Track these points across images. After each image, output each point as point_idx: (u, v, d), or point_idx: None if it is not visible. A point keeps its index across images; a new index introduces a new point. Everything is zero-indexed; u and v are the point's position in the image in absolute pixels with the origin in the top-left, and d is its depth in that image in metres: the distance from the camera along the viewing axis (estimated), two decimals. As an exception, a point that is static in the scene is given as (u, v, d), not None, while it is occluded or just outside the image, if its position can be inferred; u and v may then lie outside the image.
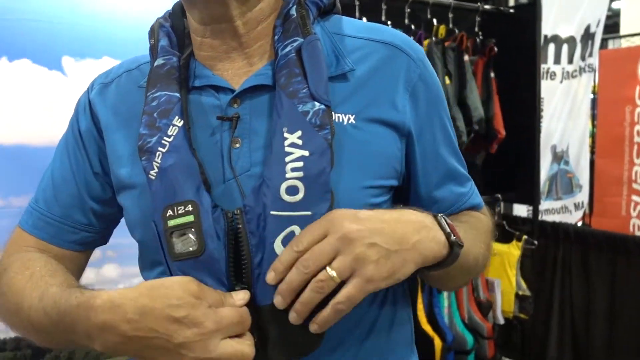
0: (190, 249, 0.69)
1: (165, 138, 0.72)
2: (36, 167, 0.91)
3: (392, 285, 0.67)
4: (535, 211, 2.80)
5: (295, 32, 0.75)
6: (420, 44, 2.37)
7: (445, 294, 2.50)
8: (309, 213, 0.68)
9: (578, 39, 3.37)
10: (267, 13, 0.78)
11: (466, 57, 2.50)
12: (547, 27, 3.15)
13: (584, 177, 3.65)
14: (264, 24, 0.78)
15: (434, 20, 2.46)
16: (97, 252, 1.96)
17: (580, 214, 3.69)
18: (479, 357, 2.56)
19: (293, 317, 0.66)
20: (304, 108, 0.70)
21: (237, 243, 0.69)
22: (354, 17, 1.87)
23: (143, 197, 0.76)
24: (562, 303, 2.73)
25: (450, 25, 2.50)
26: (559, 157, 3.44)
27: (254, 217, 0.69)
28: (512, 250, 2.65)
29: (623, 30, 5.67)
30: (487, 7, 2.64)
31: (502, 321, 2.67)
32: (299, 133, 0.69)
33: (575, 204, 3.61)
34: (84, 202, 0.86)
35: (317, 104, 0.71)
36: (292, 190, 0.68)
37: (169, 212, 0.69)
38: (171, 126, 0.73)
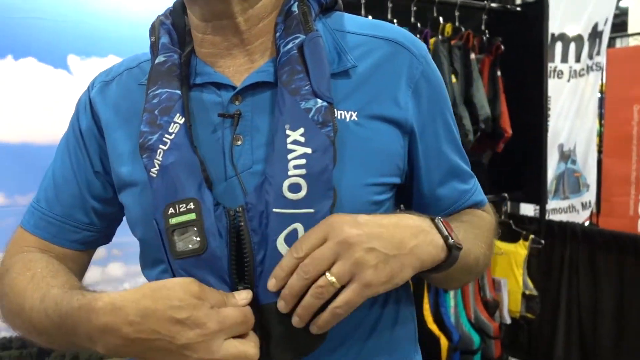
0: (192, 247, 0.68)
1: (166, 135, 0.72)
2: (41, 165, 0.91)
3: (391, 289, 0.67)
4: (542, 210, 2.78)
5: (297, 28, 0.75)
6: (427, 42, 2.36)
7: (451, 294, 2.48)
8: (311, 211, 0.67)
9: (586, 37, 3.36)
10: (269, 10, 0.77)
11: (472, 56, 2.48)
12: (555, 26, 3.13)
13: (591, 177, 3.64)
14: (265, 20, 0.77)
15: (440, 19, 2.45)
16: (102, 251, 1.96)
17: (587, 213, 3.67)
18: (486, 356, 2.55)
19: (296, 321, 0.66)
20: (307, 105, 0.70)
21: (239, 241, 0.69)
22: (360, 15, 1.86)
23: (144, 195, 0.76)
24: (570, 303, 2.72)
25: (457, 24, 2.49)
26: (566, 156, 3.42)
27: (256, 215, 0.68)
28: (519, 250, 2.63)
29: (631, 29, 5.64)
30: (493, 5, 2.62)
31: (508, 321, 2.66)
32: (301, 130, 0.69)
33: (582, 204, 3.60)
34: (85, 202, 0.86)
35: (319, 101, 0.70)
36: (294, 188, 0.67)
37: (171, 210, 0.69)
38: (172, 123, 0.72)
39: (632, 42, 4.88)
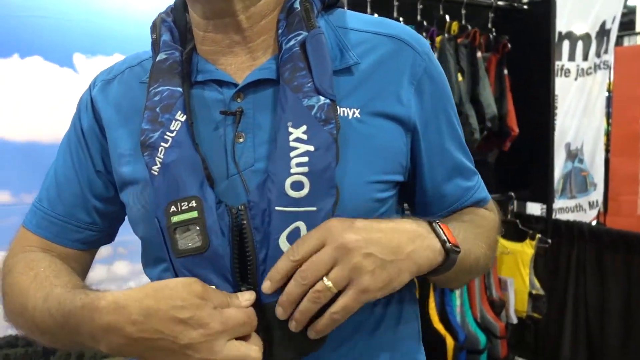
0: (194, 245, 0.68)
1: (167, 133, 0.71)
2: (47, 164, 0.91)
3: (388, 294, 0.67)
4: (549, 210, 2.77)
5: (299, 25, 0.74)
6: (433, 40, 2.35)
7: (457, 293, 2.48)
8: (314, 209, 0.67)
9: (593, 35, 3.34)
10: (271, 7, 0.77)
11: (479, 54, 2.47)
12: (562, 24, 3.12)
13: (598, 176, 3.62)
14: (267, 18, 0.77)
15: (447, 17, 2.44)
16: (107, 249, 1.97)
17: (594, 212, 3.65)
18: (492, 356, 2.54)
19: (293, 325, 0.66)
20: (309, 102, 0.70)
21: (242, 239, 0.69)
22: (366, 13, 1.85)
23: (145, 193, 0.76)
24: (576, 302, 2.70)
25: (463, 22, 2.49)
26: (573, 155, 3.41)
27: (259, 213, 0.68)
28: (526, 249, 2.62)
29: (639, 27, 5.61)
30: (500, 3, 2.61)
31: (515, 320, 2.65)
32: (303, 128, 0.69)
33: (589, 203, 3.58)
34: (87, 201, 0.86)
35: (322, 98, 0.70)
36: (297, 186, 0.67)
37: (173, 208, 0.69)
38: (174, 121, 0.72)
39: (640, 40, 4.85)
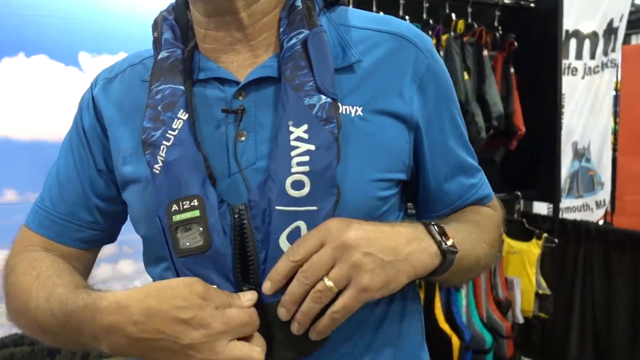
0: (196, 244, 0.68)
1: (169, 131, 0.71)
2: (52, 162, 0.91)
3: (387, 295, 0.67)
4: (556, 209, 2.76)
5: (300, 23, 0.74)
6: (439, 39, 2.35)
7: (463, 293, 2.47)
8: (314, 208, 0.67)
9: (600, 34, 3.32)
10: (272, 5, 0.76)
11: (485, 52, 2.46)
12: (569, 22, 3.10)
13: (605, 175, 3.60)
14: (269, 15, 0.76)
15: (453, 15, 2.43)
16: (113, 248, 1.97)
17: (601, 212, 3.64)
18: (498, 356, 2.53)
19: (295, 327, 0.66)
20: (310, 101, 0.69)
21: (243, 239, 0.69)
22: (372, 12, 1.84)
23: (147, 192, 0.75)
24: (583, 302, 2.69)
25: (469, 20, 2.48)
26: (580, 154, 3.39)
27: (259, 213, 0.68)
28: (532, 249, 2.61)
29: (647, 26, 5.57)
30: (507, 1, 2.60)
31: (521, 320, 2.64)
32: (304, 127, 0.68)
33: (596, 202, 3.56)
34: (89, 200, 0.86)
35: (323, 97, 0.70)
36: (297, 185, 0.67)
37: (174, 207, 0.69)
38: (176, 119, 0.72)
39: (648, 38, 4.82)
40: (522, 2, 2.71)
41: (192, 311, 0.61)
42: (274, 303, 0.67)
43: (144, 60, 0.84)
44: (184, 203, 0.68)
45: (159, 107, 0.73)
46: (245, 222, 0.68)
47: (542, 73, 2.67)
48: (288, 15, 0.76)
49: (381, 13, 2.06)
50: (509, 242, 2.66)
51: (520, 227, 2.66)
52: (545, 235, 2.61)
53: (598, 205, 3.58)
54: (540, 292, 2.60)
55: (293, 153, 0.67)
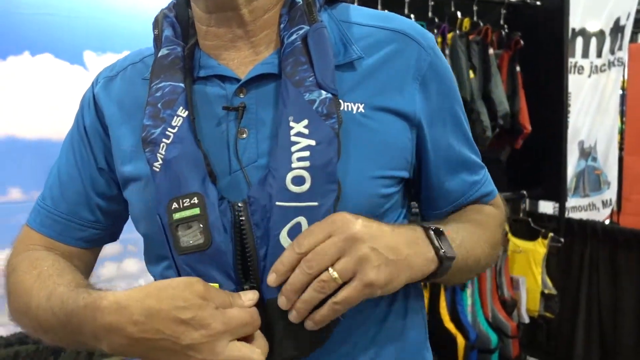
0: (197, 242, 0.67)
1: (169, 129, 0.71)
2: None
3: (386, 294, 0.67)
4: (562, 208, 2.75)
5: (301, 19, 0.74)
6: (444, 37, 2.34)
7: (468, 292, 2.46)
8: (315, 204, 0.67)
9: (607, 32, 3.30)
10: (274, 1, 0.76)
11: (491, 51, 2.46)
12: (575, 20, 3.09)
13: (612, 174, 3.58)
14: (270, 12, 0.76)
15: (458, 13, 2.43)
16: (118, 247, 1.97)
17: (608, 211, 3.62)
18: (503, 356, 2.52)
19: (293, 315, 0.66)
20: (310, 97, 0.69)
21: (243, 236, 0.68)
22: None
23: (147, 190, 0.75)
24: (590, 301, 2.68)
25: (475, 18, 2.47)
26: (586, 153, 3.38)
27: (259, 209, 0.67)
28: (538, 248, 2.60)
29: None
30: (512, -1, 2.59)
31: (527, 320, 2.63)
32: (305, 122, 0.68)
33: (603, 202, 3.55)
34: (90, 199, 0.86)
35: (323, 92, 0.69)
36: (298, 181, 0.66)
37: (174, 205, 0.68)
38: (175, 117, 0.71)
39: (655, 37, 4.79)
40: (528, 0, 2.70)
41: (192, 311, 0.61)
42: (275, 299, 0.67)
43: (145, 59, 0.84)
44: (184, 201, 0.68)
45: (159, 105, 0.73)
46: (243, 218, 0.68)
47: (548, 71, 2.66)
48: (288, 11, 0.76)
49: (386, 11, 2.05)
50: (514, 241, 2.65)
51: (526, 226, 2.65)
52: (551, 234, 2.60)
53: (604, 204, 3.56)
54: (546, 291, 2.59)
55: (293, 148, 0.67)
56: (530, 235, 2.65)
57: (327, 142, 0.67)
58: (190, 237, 0.68)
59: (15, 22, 1.78)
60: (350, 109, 0.74)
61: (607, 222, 3.56)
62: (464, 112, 0.85)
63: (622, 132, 4.09)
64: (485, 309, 2.52)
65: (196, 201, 0.68)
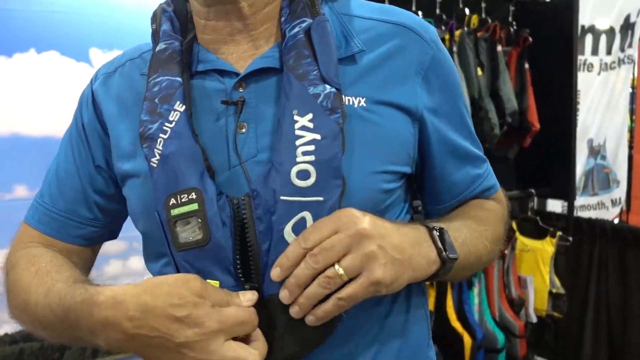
0: (195, 238, 0.67)
1: (166, 124, 0.70)
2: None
3: (390, 293, 0.66)
4: (571, 207, 2.73)
5: (303, 12, 0.73)
6: (452, 34, 2.33)
7: (475, 291, 2.45)
8: (320, 199, 0.66)
9: (617, 29, 3.28)
10: None
11: (499, 48, 2.44)
12: (585, 17, 3.07)
13: (621, 173, 3.56)
14: (271, 5, 0.75)
15: (467, 10, 2.42)
16: (122, 244, 1.97)
17: (617, 210, 3.59)
18: (510, 355, 2.51)
19: (295, 310, 0.65)
20: (315, 90, 0.68)
21: (244, 230, 0.67)
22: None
23: (145, 186, 0.74)
24: (598, 301, 2.66)
25: (483, 15, 2.46)
26: (595, 151, 3.36)
27: (262, 203, 0.66)
28: (546, 247, 2.59)
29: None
30: (521, -4, 2.57)
31: (534, 319, 2.61)
32: (309, 116, 0.67)
33: (612, 200, 3.52)
34: (88, 196, 0.85)
35: (327, 86, 0.69)
36: (303, 175, 0.65)
37: (172, 201, 0.68)
38: (172, 111, 0.71)
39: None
40: (537, -3, 2.69)
41: (187, 309, 0.60)
42: (276, 295, 0.66)
43: (144, 54, 0.83)
44: (182, 196, 0.67)
45: (156, 100, 0.72)
46: (245, 212, 0.67)
47: (557, 69, 2.64)
48: (289, 4, 0.75)
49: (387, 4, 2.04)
50: (522, 240, 2.63)
51: (534, 225, 2.64)
52: (559, 233, 2.59)
53: (613, 203, 3.54)
54: (554, 290, 2.57)
55: (298, 142, 0.66)
56: (539, 234, 2.63)
57: (332, 136, 0.67)
58: (189, 233, 0.67)
59: (21, 19, 1.79)
60: (351, 103, 0.73)
61: (616, 221, 3.53)
62: (466, 105, 0.84)
63: (631, 131, 4.05)
64: (492, 308, 2.51)
65: (194, 196, 0.67)
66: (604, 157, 3.42)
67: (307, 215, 0.65)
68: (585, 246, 2.72)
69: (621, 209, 3.67)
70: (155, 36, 0.79)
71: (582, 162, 3.26)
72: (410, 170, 0.78)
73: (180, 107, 0.71)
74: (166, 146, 0.69)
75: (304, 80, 0.69)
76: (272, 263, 0.66)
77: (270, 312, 0.67)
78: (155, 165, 0.70)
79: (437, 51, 0.78)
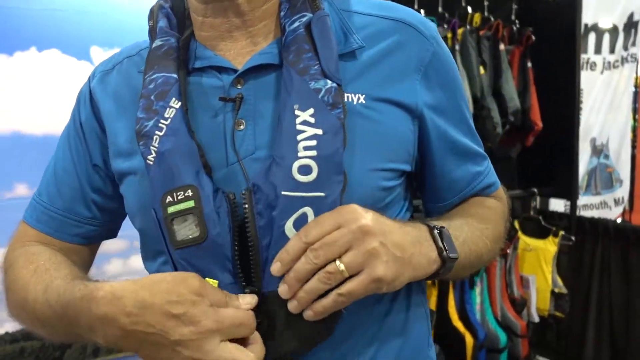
0: (192, 235, 0.66)
1: (162, 121, 0.70)
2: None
3: (390, 291, 0.66)
4: (573, 206, 2.73)
5: (303, 7, 0.73)
6: (455, 32, 2.32)
7: (477, 291, 2.44)
8: (322, 194, 0.65)
9: (620, 27, 3.28)
10: None
11: (502, 46, 2.44)
12: (588, 15, 3.06)
13: (624, 172, 3.55)
14: (270, 2, 0.75)
15: (469, 8, 2.41)
16: (124, 243, 1.97)
17: (620, 210, 3.58)
18: (512, 355, 2.50)
19: (293, 305, 0.64)
20: (316, 85, 0.68)
21: (244, 226, 0.67)
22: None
23: (142, 184, 0.74)
24: (600, 301, 2.66)
25: (486, 13, 2.45)
26: (598, 150, 3.35)
27: (263, 198, 0.66)
28: (548, 246, 2.58)
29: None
30: (524, -6, 2.56)
31: (536, 319, 2.61)
32: (311, 111, 0.67)
33: (615, 200, 3.52)
34: (86, 194, 0.85)
35: (328, 81, 0.68)
36: (304, 170, 0.65)
37: (169, 199, 0.67)
38: (168, 108, 0.70)
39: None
40: (540, -5, 2.68)
41: (185, 307, 0.60)
42: (275, 291, 0.65)
43: (141, 51, 0.83)
44: (178, 194, 0.67)
45: (152, 97, 0.71)
46: (246, 206, 0.66)
47: (560, 67, 2.64)
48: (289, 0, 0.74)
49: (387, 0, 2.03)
50: (525, 239, 2.63)
51: (536, 224, 2.64)
52: (562, 232, 2.58)
53: (616, 202, 3.53)
54: (556, 290, 2.57)
55: (299, 137, 0.66)
56: (541, 234, 2.63)
57: (334, 132, 0.66)
58: (185, 231, 0.66)
59: (22, 17, 1.78)
60: (350, 100, 0.72)
61: (619, 220, 3.53)
62: (467, 102, 0.84)
63: (634, 130, 4.04)
64: (494, 307, 2.50)
65: (190, 194, 0.66)
66: (606, 156, 3.41)
67: (308, 210, 0.65)
68: (587, 246, 2.71)
69: (624, 209, 3.66)
70: (152, 33, 0.78)
71: (584, 161, 3.26)
72: (409, 168, 0.78)
73: (175, 104, 0.70)
74: (162, 143, 0.69)
75: (304, 75, 0.68)
76: (272, 259, 0.65)
77: (269, 309, 0.66)
78: (151, 162, 0.69)
79: (437, 47, 0.77)
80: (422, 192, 0.86)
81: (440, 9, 2.34)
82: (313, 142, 0.65)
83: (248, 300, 0.65)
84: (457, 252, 0.70)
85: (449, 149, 0.80)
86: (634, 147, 3.86)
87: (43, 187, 0.87)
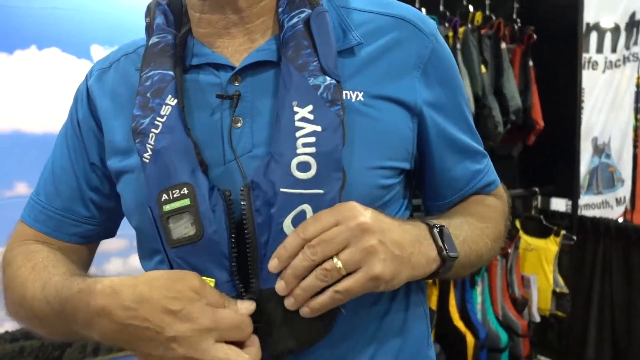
0: (188, 234, 0.66)
1: (158, 118, 0.69)
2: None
3: (388, 290, 0.65)
4: (575, 205, 2.72)
5: (302, 3, 0.72)
6: (456, 31, 2.32)
7: (478, 290, 2.44)
8: (321, 191, 0.64)
9: (622, 26, 3.27)
10: None
11: (503, 45, 2.43)
12: (590, 14, 3.05)
13: (626, 171, 3.54)
14: None
15: (470, 7, 2.40)
16: (123, 242, 1.96)
17: (621, 209, 3.58)
18: (513, 355, 2.50)
19: (290, 302, 0.64)
20: (315, 82, 0.67)
21: (241, 223, 0.66)
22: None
23: (139, 182, 0.74)
24: (602, 301, 2.65)
25: (487, 12, 2.45)
26: (600, 150, 3.34)
27: (261, 195, 0.65)
28: (550, 246, 2.57)
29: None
30: (525, -7, 2.56)
31: (538, 319, 2.60)
32: (310, 107, 0.66)
33: (616, 199, 3.51)
34: (84, 193, 0.85)
35: (327, 78, 0.68)
36: (303, 167, 0.64)
37: (164, 197, 0.67)
38: (164, 105, 0.70)
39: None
40: (542, -6, 2.67)
41: (182, 303, 0.60)
42: (272, 289, 0.65)
43: (139, 49, 0.82)
44: (174, 192, 0.66)
45: (148, 94, 0.71)
46: (244, 203, 0.66)
47: (561, 66, 2.63)
48: None
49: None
50: (526, 239, 2.62)
51: (537, 223, 2.63)
52: (563, 232, 2.58)
53: (618, 202, 3.52)
54: (558, 290, 2.57)
55: (298, 134, 0.65)
56: (542, 233, 2.62)
57: (333, 129, 0.66)
58: (181, 229, 0.66)
59: (22, 16, 1.78)
60: (349, 97, 0.71)
61: (620, 220, 3.52)
62: (466, 99, 0.83)
63: (636, 129, 4.03)
64: (495, 307, 2.50)
65: (186, 192, 0.66)
66: (608, 156, 3.40)
67: (307, 207, 0.64)
68: (589, 245, 2.71)
69: (625, 208, 3.65)
70: (149, 30, 0.78)
71: (586, 160, 3.25)
72: (409, 167, 0.77)
73: (172, 101, 0.70)
74: (158, 141, 0.68)
75: (303, 71, 0.68)
76: (270, 256, 0.65)
77: (266, 306, 0.66)
78: (147, 160, 0.69)
79: (436, 44, 0.76)
80: (422, 190, 0.86)
81: (441, 8, 2.34)
82: (312, 139, 0.65)
83: (246, 305, 0.65)
84: (457, 251, 0.70)
85: (448, 147, 0.80)
86: (635, 146, 3.85)
87: (41, 187, 0.87)
